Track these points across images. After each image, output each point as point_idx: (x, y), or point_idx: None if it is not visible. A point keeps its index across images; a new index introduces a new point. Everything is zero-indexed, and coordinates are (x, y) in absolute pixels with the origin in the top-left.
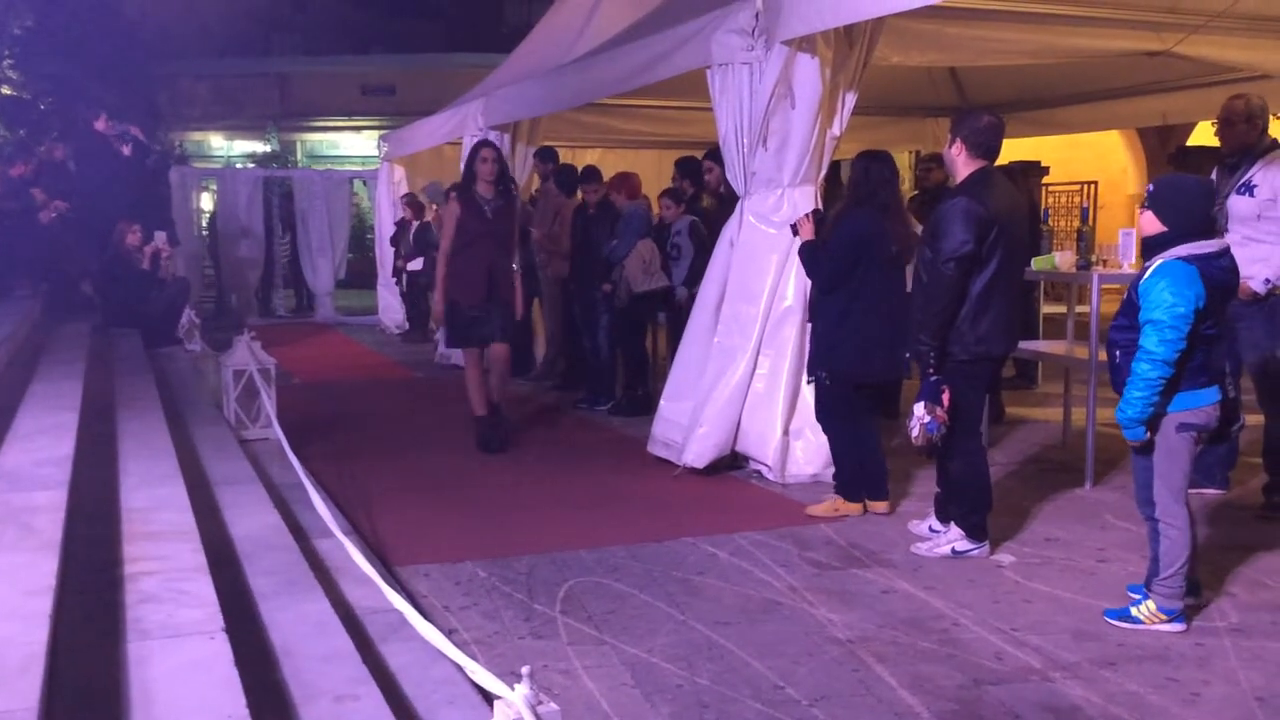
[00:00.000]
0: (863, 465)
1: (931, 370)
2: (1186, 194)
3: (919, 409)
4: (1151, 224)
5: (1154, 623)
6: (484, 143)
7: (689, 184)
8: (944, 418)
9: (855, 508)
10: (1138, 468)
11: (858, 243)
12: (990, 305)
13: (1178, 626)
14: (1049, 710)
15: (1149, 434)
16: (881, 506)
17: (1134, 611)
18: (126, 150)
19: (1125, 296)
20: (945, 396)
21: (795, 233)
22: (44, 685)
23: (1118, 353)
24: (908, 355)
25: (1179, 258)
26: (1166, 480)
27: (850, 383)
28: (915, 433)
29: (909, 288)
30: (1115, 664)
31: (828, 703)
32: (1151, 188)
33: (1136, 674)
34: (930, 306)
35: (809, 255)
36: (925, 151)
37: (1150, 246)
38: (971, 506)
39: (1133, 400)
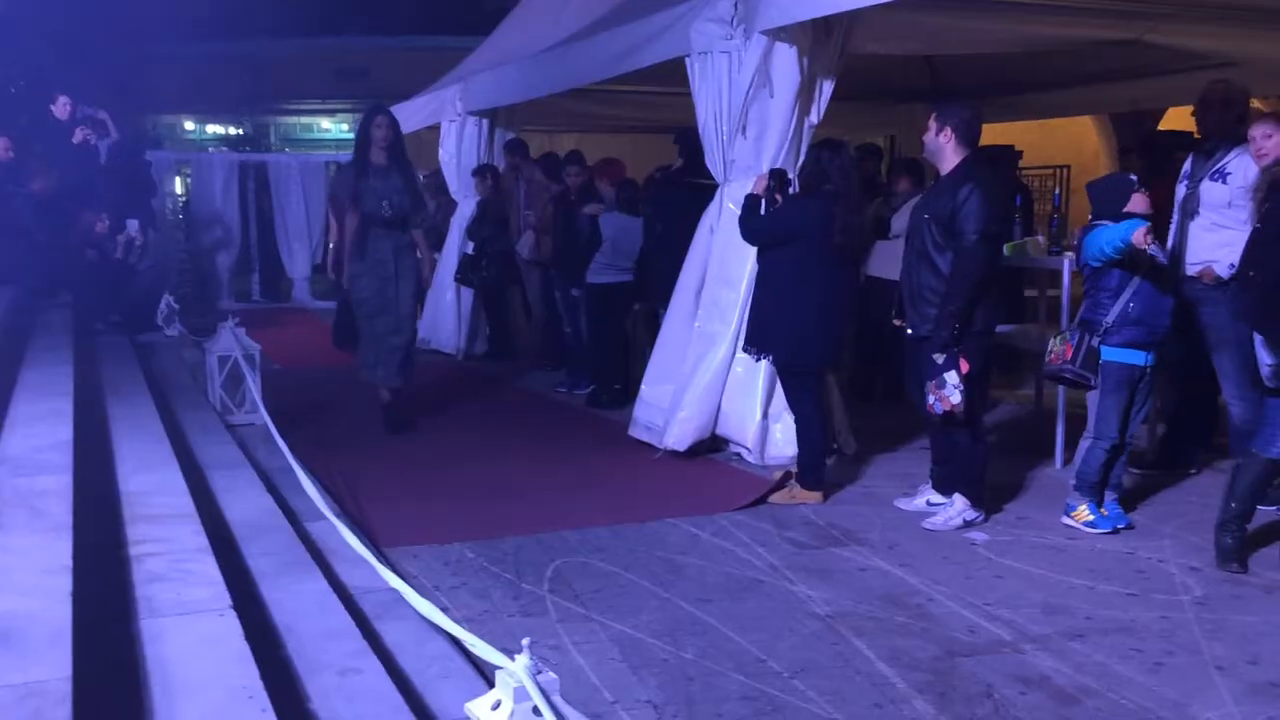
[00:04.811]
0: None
1: (954, 343)
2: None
3: (953, 377)
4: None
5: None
6: None
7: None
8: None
9: (814, 496)
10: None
11: (794, 229)
12: (993, 283)
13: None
14: (1020, 680)
15: None
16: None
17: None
18: (93, 139)
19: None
20: (964, 367)
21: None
22: (73, 658)
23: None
24: (915, 331)
25: None
26: None
27: (796, 370)
28: (955, 400)
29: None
30: (1083, 636)
31: (807, 675)
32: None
33: (1103, 645)
34: (963, 284)
35: (746, 206)
36: (900, 137)
37: None
38: (978, 475)
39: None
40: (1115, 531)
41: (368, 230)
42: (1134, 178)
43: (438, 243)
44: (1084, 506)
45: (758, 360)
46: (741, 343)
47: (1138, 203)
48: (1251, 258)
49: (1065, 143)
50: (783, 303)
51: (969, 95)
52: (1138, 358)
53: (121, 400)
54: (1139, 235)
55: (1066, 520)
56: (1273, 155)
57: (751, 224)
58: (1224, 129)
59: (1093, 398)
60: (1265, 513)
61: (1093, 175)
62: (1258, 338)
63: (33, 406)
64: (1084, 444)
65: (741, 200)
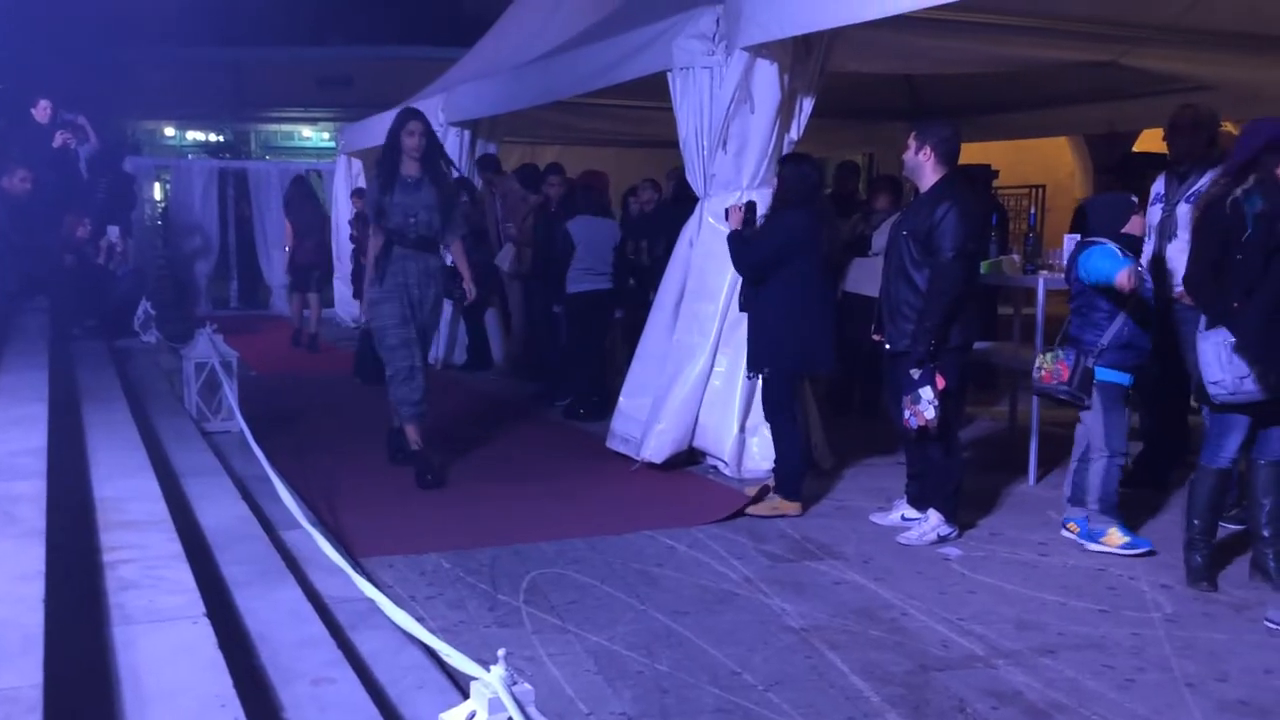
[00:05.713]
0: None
1: (930, 358)
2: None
3: (928, 393)
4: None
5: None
6: None
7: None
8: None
9: (795, 506)
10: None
11: (787, 243)
12: (969, 299)
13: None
14: (992, 695)
15: None
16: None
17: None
18: (72, 144)
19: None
20: (940, 382)
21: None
22: (45, 665)
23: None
24: (893, 346)
25: None
26: None
27: (795, 378)
28: (931, 415)
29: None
30: (1055, 652)
31: (782, 688)
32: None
33: (1075, 661)
34: (940, 300)
35: (735, 245)
36: (879, 154)
37: None
38: (954, 490)
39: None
40: (1152, 553)
41: (390, 249)
42: (1134, 199)
43: None
44: (1115, 529)
45: (765, 377)
46: (727, 365)
47: (1135, 225)
48: (1232, 288)
49: (1041, 163)
50: (780, 314)
51: (947, 114)
52: (1124, 379)
53: (97, 406)
54: (1122, 278)
55: (1094, 546)
56: None
57: (745, 253)
58: (1195, 153)
59: (1090, 418)
60: (1229, 530)
61: (1068, 195)
62: (1207, 353)
63: (7, 411)
64: (1075, 465)
65: (720, 214)
